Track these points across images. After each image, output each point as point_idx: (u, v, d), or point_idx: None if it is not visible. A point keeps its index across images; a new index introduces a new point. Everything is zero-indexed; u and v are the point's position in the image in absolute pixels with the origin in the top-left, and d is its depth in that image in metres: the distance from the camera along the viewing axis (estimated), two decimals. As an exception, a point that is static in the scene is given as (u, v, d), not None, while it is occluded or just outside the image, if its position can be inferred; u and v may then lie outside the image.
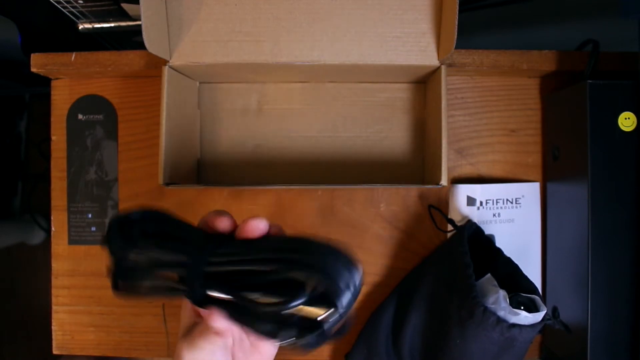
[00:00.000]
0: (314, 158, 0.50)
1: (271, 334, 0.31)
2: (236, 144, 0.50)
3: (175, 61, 0.44)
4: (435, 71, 0.45)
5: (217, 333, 0.31)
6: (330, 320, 0.29)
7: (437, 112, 0.44)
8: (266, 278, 0.30)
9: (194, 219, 0.52)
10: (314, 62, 0.43)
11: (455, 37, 0.39)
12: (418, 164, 0.50)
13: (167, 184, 0.43)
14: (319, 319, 0.29)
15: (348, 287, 0.29)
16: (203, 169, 0.50)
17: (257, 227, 0.31)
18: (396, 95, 0.50)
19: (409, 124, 0.50)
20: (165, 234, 0.32)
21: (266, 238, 0.32)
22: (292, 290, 0.29)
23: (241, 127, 0.50)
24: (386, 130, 0.50)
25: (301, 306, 0.29)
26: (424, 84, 0.50)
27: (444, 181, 0.42)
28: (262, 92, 0.50)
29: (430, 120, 0.47)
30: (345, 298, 0.29)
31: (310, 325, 0.30)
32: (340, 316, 0.29)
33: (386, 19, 0.43)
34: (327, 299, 0.29)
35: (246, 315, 0.31)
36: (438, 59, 0.43)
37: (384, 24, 0.43)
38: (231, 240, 0.32)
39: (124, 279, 0.31)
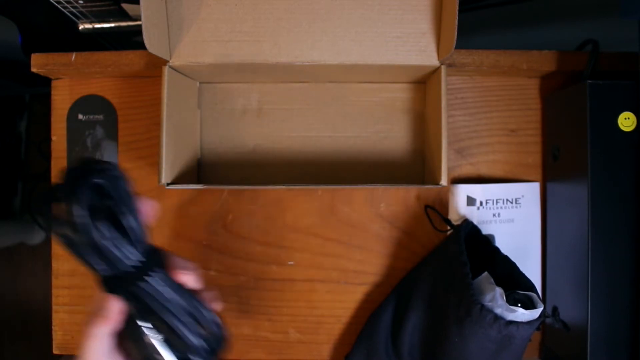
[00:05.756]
0: (314, 158, 0.50)
1: None
2: (236, 144, 0.50)
3: (175, 61, 0.44)
4: (435, 71, 0.45)
5: (107, 317, 0.34)
6: None
7: (437, 112, 0.44)
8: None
9: (195, 219, 0.52)
10: (314, 62, 0.43)
11: (455, 37, 0.39)
12: (418, 164, 0.50)
13: (168, 184, 0.43)
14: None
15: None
16: (203, 169, 0.50)
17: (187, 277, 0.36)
18: (396, 95, 0.50)
19: (409, 124, 0.50)
20: (114, 217, 0.33)
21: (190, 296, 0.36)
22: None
23: (241, 127, 0.50)
24: (386, 131, 0.50)
25: None
26: (424, 84, 0.50)
27: (443, 181, 0.42)
28: (262, 92, 0.50)
29: (430, 120, 0.47)
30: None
31: None
32: None
33: (386, 19, 0.43)
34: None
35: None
36: (438, 59, 0.43)
37: (384, 24, 0.43)
38: (164, 273, 0.35)
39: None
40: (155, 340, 0.34)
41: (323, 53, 0.43)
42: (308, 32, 0.43)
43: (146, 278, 0.34)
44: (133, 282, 0.34)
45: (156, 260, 0.35)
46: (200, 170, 0.50)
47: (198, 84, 0.50)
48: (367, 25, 0.43)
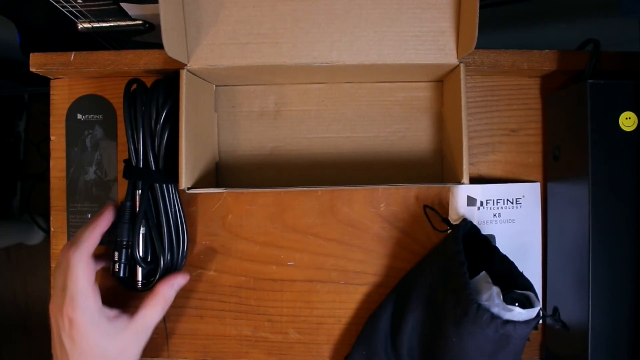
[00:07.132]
0: (332, 159, 0.50)
1: None
2: (254, 147, 0.50)
3: (193, 64, 0.43)
4: (454, 70, 0.44)
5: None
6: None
7: (456, 111, 0.43)
8: None
9: (195, 219, 0.52)
10: (333, 63, 0.43)
11: (476, 35, 0.39)
12: (437, 163, 0.50)
13: (188, 189, 0.42)
14: None
15: None
16: (221, 172, 0.50)
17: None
18: (413, 95, 0.50)
19: (427, 122, 0.50)
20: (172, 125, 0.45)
21: None
22: None
23: (259, 130, 0.50)
24: (404, 130, 0.50)
25: None
26: (441, 83, 0.50)
27: (465, 179, 0.42)
28: (279, 94, 0.50)
29: (448, 119, 0.47)
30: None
31: None
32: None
33: (405, 18, 0.43)
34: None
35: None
36: (457, 58, 0.43)
37: (403, 23, 0.43)
38: None
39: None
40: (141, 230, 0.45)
41: (342, 53, 0.43)
42: (326, 33, 0.43)
43: (168, 185, 0.45)
44: (158, 181, 0.44)
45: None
46: (219, 173, 0.50)
47: (214, 87, 0.50)
48: (385, 25, 0.43)
